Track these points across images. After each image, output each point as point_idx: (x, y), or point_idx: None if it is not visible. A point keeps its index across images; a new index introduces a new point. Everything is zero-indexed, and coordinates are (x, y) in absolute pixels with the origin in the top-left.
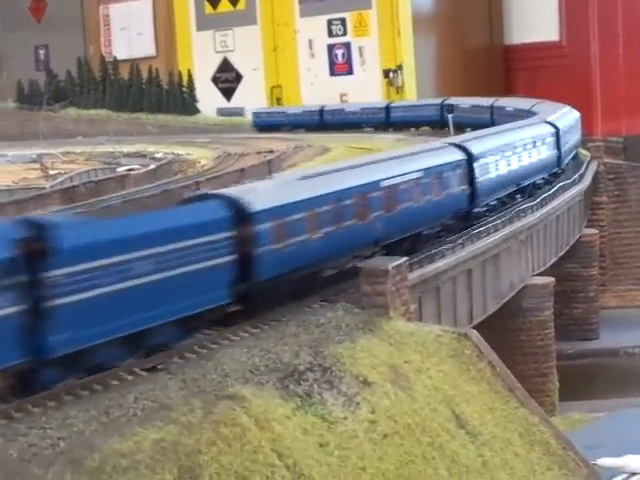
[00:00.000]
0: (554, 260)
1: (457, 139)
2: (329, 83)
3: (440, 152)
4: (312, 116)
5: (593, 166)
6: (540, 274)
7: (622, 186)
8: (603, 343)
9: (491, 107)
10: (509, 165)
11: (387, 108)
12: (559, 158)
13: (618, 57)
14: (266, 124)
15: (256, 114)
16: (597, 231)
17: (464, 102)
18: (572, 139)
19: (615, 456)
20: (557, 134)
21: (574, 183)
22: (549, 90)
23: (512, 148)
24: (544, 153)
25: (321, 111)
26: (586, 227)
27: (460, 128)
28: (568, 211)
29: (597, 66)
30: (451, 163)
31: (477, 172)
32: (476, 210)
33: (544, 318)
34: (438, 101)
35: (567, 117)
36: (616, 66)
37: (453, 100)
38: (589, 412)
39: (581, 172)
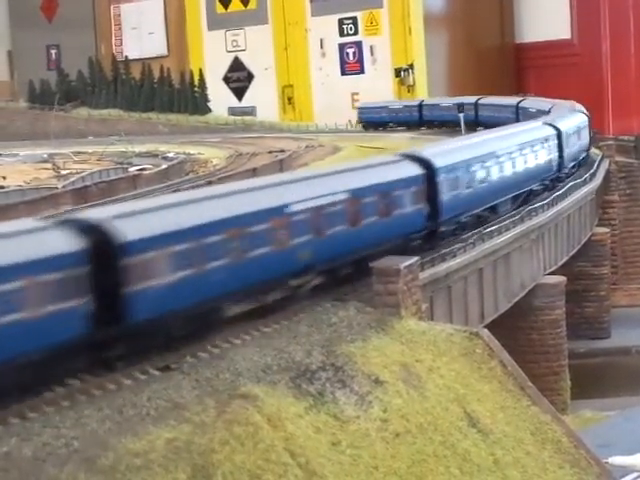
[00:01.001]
0: (565, 259)
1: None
2: (340, 82)
3: None
4: (412, 112)
5: (604, 165)
6: (551, 273)
7: (634, 184)
8: (614, 342)
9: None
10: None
11: (475, 105)
12: (432, 215)
13: (630, 56)
14: (372, 120)
15: (361, 109)
16: (608, 230)
17: (533, 105)
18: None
19: (627, 454)
20: (430, 176)
21: (585, 182)
22: (560, 88)
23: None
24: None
25: (420, 106)
26: (597, 226)
27: None
28: (579, 210)
29: (608, 64)
30: None
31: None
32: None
33: (555, 317)
34: (514, 101)
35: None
36: (628, 65)
37: (526, 102)
38: (601, 410)
39: (592, 171)
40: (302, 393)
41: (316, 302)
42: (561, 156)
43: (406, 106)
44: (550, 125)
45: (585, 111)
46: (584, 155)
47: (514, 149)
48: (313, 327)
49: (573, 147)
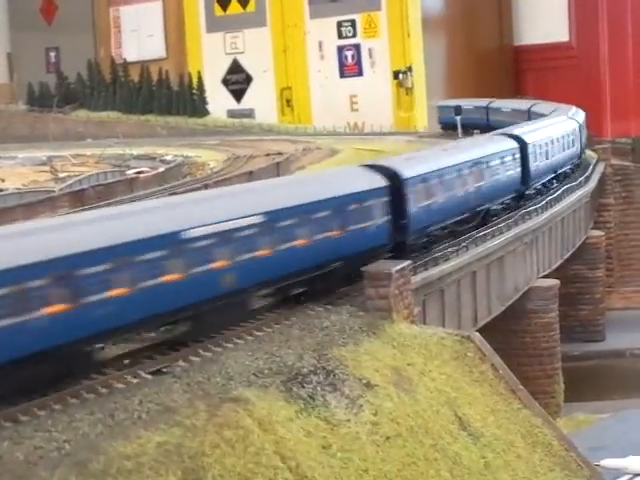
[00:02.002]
0: (560, 262)
1: None
2: (339, 84)
3: None
4: (481, 114)
5: (600, 168)
6: (546, 276)
7: (629, 188)
8: (609, 344)
9: None
10: None
11: (529, 112)
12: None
13: (627, 58)
14: (448, 122)
15: (439, 108)
16: (603, 233)
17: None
18: None
19: (620, 457)
20: None
21: (580, 185)
22: (558, 91)
23: None
24: None
25: (487, 109)
26: (593, 229)
27: None
28: (574, 213)
29: (606, 67)
30: None
31: None
32: None
33: (549, 320)
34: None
35: None
36: (626, 67)
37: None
38: (594, 413)
39: (587, 174)
40: (293, 397)
41: (308, 306)
42: (402, 218)
43: (476, 107)
44: (381, 172)
45: (522, 135)
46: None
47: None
48: (305, 331)
49: (439, 203)
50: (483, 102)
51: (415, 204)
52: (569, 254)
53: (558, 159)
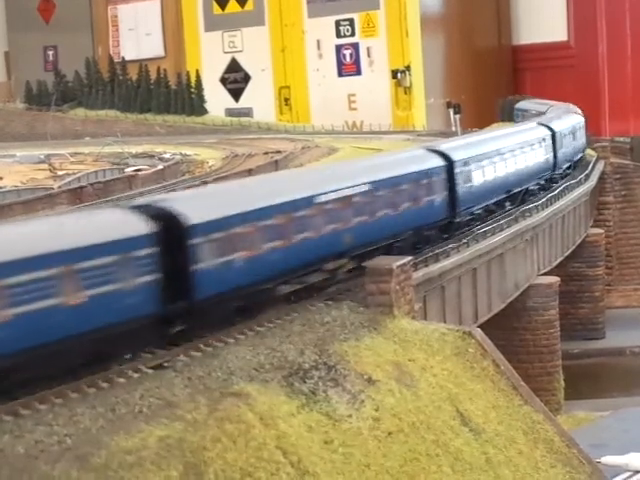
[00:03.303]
0: (560, 260)
1: None
2: (337, 83)
3: None
4: None
5: (599, 166)
6: (546, 274)
7: (629, 186)
8: (609, 342)
9: None
10: None
11: None
12: None
13: (626, 58)
14: None
15: (517, 112)
16: (603, 231)
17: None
18: None
19: (619, 454)
20: None
21: (580, 183)
22: (557, 90)
23: None
24: None
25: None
26: (592, 227)
27: None
28: (574, 211)
29: (605, 66)
30: None
31: None
32: None
33: (549, 317)
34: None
35: None
36: (624, 67)
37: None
38: (594, 411)
39: (587, 172)
40: (294, 392)
41: (309, 302)
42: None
43: (538, 111)
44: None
45: None
46: None
47: None
48: (306, 326)
49: None
50: (543, 106)
51: None
52: (569, 252)
53: None
